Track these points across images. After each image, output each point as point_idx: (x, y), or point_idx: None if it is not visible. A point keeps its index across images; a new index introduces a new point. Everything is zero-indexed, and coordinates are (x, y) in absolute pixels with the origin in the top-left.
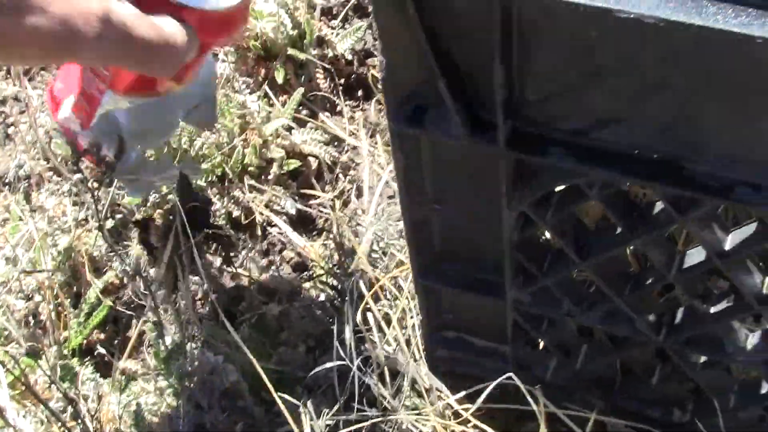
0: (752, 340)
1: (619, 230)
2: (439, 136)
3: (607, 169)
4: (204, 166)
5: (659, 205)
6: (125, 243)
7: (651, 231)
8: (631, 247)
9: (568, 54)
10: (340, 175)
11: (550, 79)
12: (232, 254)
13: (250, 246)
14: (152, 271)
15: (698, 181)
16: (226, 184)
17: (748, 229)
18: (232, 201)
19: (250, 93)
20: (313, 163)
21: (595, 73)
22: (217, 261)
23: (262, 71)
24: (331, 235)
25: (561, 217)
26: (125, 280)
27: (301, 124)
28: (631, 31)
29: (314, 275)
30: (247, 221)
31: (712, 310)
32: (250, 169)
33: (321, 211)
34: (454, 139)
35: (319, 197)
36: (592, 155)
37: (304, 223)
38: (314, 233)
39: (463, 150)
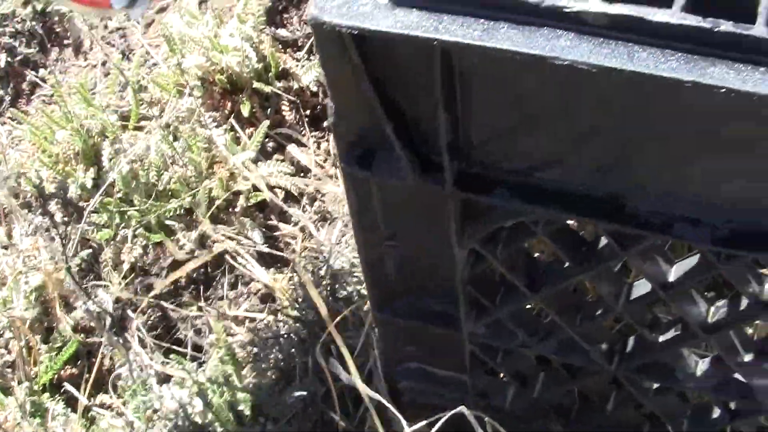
0: (702, 366)
1: (567, 264)
2: (388, 178)
3: (550, 207)
4: (173, 204)
5: (604, 240)
6: (95, 280)
7: (597, 265)
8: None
9: (509, 99)
10: (307, 206)
11: (494, 122)
12: (200, 287)
13: (218, 279)
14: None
15: (639, 218)
16: (194, 217)
17: (691, 261)
18: (200, 234)
19: (217, 126)
20: (280, 195)
21: (534, 116)
22: (186, 294)
23: (228, 105)
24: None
25: (510, 252)
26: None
27: (268, 156)
28: (566, 77)
29: (280, 307)
30: (215, 254)
31: (661, 338)
32: (218, 202)
33: (287, 243)
34: (403, 181)
35: (285, 228)
36: (536, 194)
37: (271, 254)
38: (281, 264)
39: (412, 191)
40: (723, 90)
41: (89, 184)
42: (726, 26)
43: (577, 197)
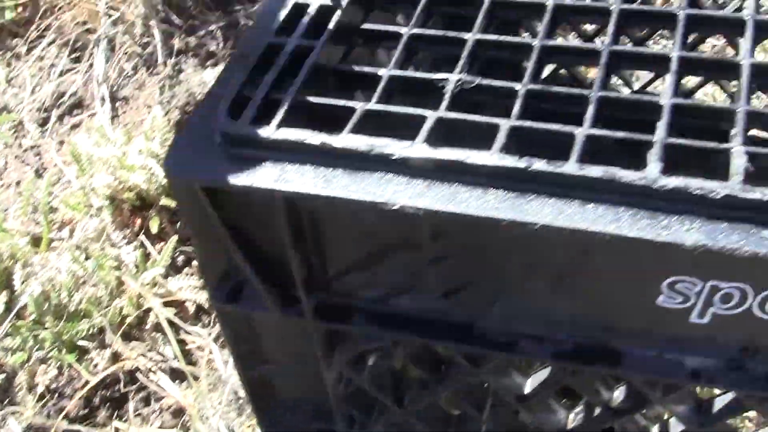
0: None
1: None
2: (254, 311)
3: (405, 333)
4: (83, 324)
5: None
6: (10, 405)
7: (454, 383)
8: None
9: (356, 235)
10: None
11: (345, 256)
12: (114, 406)
13: (132, 396)
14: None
15: (486, 338)
16: (106, 336)
17: (545, 372)
18: (112, 352)
19: (127, 243)
20: (191, 308)
21: (381, 248)
22: (100, 414)
23: (138, 221)
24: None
25: (378, 371)
26: None
27: (178, 270)
28: (401, 216)
29: (189, 424)
30: (127, 371)
31: None
32: (129, 319)
33: (198, 356)
34: (268, 313)
35: (195, 341)
36: (391, 321)
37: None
38: (193, 377)
39: (279, 320)
40: (537, 226)
41: (1, 308)
42: (539, 164)
43: (428, 322)
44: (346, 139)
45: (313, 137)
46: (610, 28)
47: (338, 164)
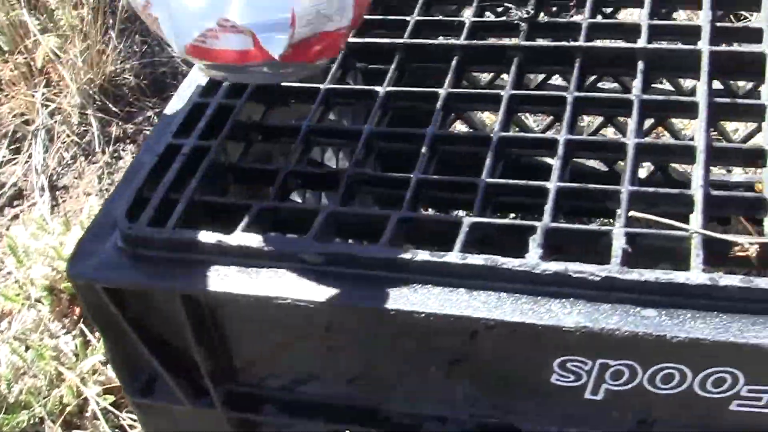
0: None
1: None
2: (167, 403)
3: (314, 419)
4: (23, 416)
5: None
6: None
7: None
8: None
9: (256, 328)
10: None
11: (249, 348)
12: None
13: None
14: None
15: (392, 420)
16: (45, 426)
17: None
18: None
19: (66, 333)
20: None
21: (284, 339)
22: None
23: (77, 310)
24: None
25: None
26: None
27: None
28: (295, 309)
29: None
30: None
31: None
32: (69, 408)
33: None
34: (180, 405)
35: (137, 426)
36: (301, 408)
37: None
38: None
39: (193, 411)
40: (423, 315)
41: None
42: (423, 255)
43: (335, 408)
44: (239, 238)
45: (207, 236)
46: (501, 114)
47: (233, 261)
